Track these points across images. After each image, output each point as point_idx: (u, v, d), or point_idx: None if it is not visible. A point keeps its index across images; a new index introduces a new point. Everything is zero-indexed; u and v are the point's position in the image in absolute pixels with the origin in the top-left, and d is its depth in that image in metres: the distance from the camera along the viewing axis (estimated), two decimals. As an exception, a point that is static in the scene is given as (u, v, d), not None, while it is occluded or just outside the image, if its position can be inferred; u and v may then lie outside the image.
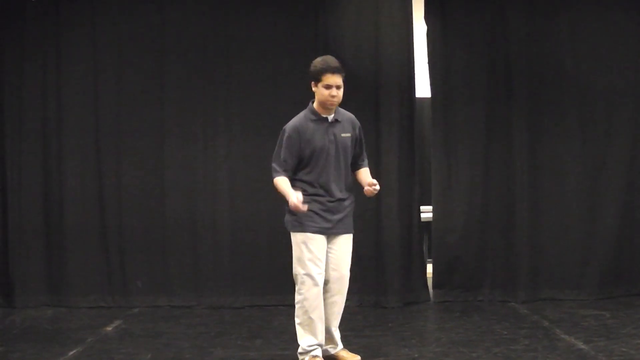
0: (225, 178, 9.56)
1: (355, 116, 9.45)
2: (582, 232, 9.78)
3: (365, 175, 7.03)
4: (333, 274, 6.81)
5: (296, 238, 6.67)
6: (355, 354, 7.07)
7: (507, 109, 9.64)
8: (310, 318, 6.66)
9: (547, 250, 9.76)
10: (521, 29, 9.69)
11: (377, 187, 6.75)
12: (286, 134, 6.66)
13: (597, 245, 9.79)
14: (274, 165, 6.69)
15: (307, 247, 6.62)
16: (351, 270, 9.43)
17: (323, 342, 6.80)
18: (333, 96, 6.63)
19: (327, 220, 6.69)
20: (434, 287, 9.72)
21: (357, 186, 7.12)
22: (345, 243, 6.87)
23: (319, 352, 6.72)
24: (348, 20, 9.58)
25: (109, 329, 8.38)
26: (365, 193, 6.86)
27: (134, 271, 9.52)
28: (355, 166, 7.06)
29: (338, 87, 6.64)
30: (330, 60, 6.71)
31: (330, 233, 6.75)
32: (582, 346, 7.41)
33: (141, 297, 9.50)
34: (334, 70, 6.62)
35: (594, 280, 9.76)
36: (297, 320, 6.74)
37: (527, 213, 9.67)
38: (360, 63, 9.56)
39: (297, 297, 6.69)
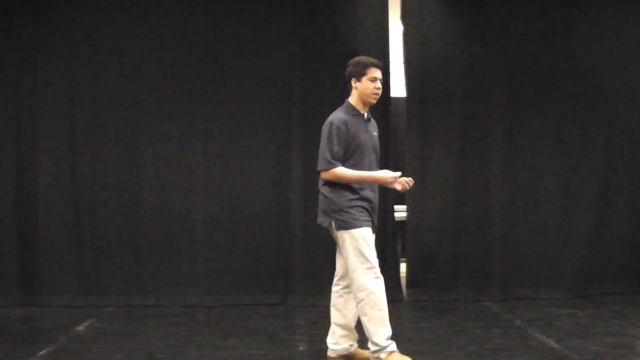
0: (201, 177, 9.54)
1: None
2: (556, 231, 9.84)
3: None
4: None
5: (354, 235, 6.61)
6: (328, 355, 7.06)
7: (483, 109, 9.67)
8: (380, 310, 6.59)
9: (521, 249, 9.81)
10: (497, 30, 9.73)
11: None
12: (334, 126, 6.62)
13: (570, 245, 9.85)
14: (326, 157, 6.58)
15: (366, 242, 6.63)
16: (325, 270, 9.52)
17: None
18: (378, 88, 6.73)
19: (372, 217, 6.77)
20: (408, 286, 9.75)
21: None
22: (374, 239, 6.86)
23: (394, 346, 6.65)
24: (325, 20, 9.58)
25: (81, 328, 8.33)
26: (399, 185, 6.86)
27: (108, 270, 9.48)
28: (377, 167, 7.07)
29: (381, 81, 6.76)
30: (371, 57, 6.85)
31: (374, 227, 6.82)
32: (555, 345, 7.44)
33: (114, 296, 9.46)
34: (378, 65, 6.75)
35: (567, 279, 9.82)
36: (365, 319, 6.63)
37: (501, 213, 9.71)
38: (337, 62, 9.54)
39: (360, 295, 6.60)
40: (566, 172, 9.84)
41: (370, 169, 6.75)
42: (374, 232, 6.79)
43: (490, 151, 9.69)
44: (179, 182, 9.53)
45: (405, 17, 9.70)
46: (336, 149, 6.57)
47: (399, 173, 6.66)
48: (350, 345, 6.96)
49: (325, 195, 6.70)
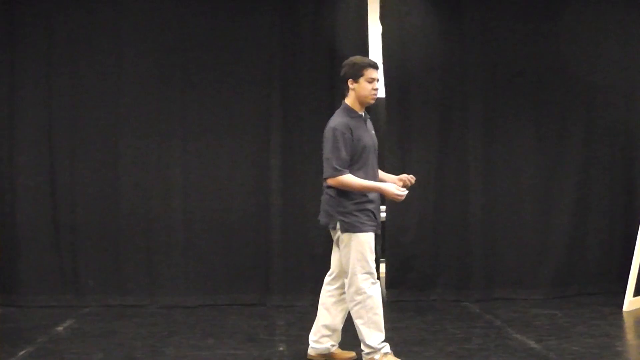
0: (180, 177, 9.52)
1: (310, 115, 9.50)
2: (535, 232, 9.86)
3: (382, 174, 7.04)
4: None
5: (359, 238, 6.59)
6: (308, 354, 7.07)
7: (462, 110, 9.69)
8: (376, 314, 6.63)
9: (500, 250, 9.83)
10: (476, 30, 9.74)
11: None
12: (339, 132, 6.56)
13: (550, 245, 9.88)
14: (333, 164, 6.51)
15: (369, 246, 6.63)
16: (304, 270, 9.50)
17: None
18: (376, 89, 6.72)
19: (376, 219, 6.76)
20: (387, 286, 9.75)
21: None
22: (376, 239, 6.88)
23: (388, 348, 6.71)
24: (305, 20, 9.57)
25: (60, 328, 8.30)
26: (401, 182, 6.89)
27: (87, 270, 9.44)
28: None
29: (378, 81, 6.75)
30: (366, 57, 6.88)
31: (378, 230, 6.82)
32: (534, 345, 7.46)
33: (93, 296, 9.42)
34: (375, 65, 6.72)
35: (546, 280, 9.85)
36: (359, 322, 6.64)
37: (480, 213, 9.73)
38: (316, 62, 9.56)
39: (357, 298, 6.62)
40: (545, 172, 9.87)
41: (374, 170, 6.78)
42: (377, 232, 6.80)
43: (470, 152, 9.70)
44: (157, 182, 9.50)
45: (384, 17, 9.70)
46: (343, 155, 6.52)
47: (406, 192, 6.65)
48: (332, 346, 6.99)
49: (331, 197, 6.66)
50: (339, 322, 6.95)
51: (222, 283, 9.52)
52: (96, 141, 9.46)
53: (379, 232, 6.84)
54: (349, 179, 6.49)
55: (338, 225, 6.64)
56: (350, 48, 9.49)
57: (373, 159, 6.76)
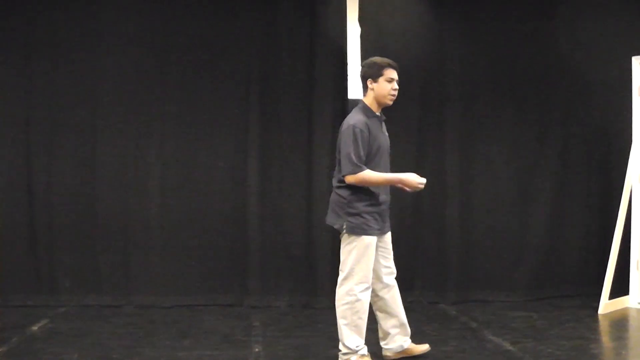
0: (157, 177, 9.50)
1: (288, 117, 9.50)
2: (512, 235, 9.90)
3: None
4: (386, 270, 6.97)
5: (363, 241, 6.63)
6: (285, 354, 7.07)
7: (440, 111, 9.71)
8: (360, 319, 6.67)
9: (477, 252, 9.85)
10: (456, 32, 9.77)
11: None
12: (358, 129, 6.58)
13: (526, 248, 9.92)
14: (353, 160, 6.53)
15: (370, 250, 6.66)
16: (281, 271, 9.50)
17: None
18: (395, 89, 6.76)
19: (383, 221, 6.82)
20: (363, 288, 9.74)
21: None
22: (389, 240, 6.99)
23: (365, 350, 6.75)
24: (284, 21, 9.55)
25: (35, 328, 8.26)
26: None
27: (63, 269, 9.39)
28: None
29: (397, 82, 6.78)
30: (386, 58, 6.84)
31: (383, 233, 6.87)
32: (510, 347, 7.48)
33: (69, 296, 9.38)
34: (395, 66, 6.77)
35: (523, 282, 9.88)
36: (342, 322, 6.69)
37: (458, 216, 9.75)
38: (295, 64, 9.55)
39: (347, 298, 6.66)
40: (522, 176, 9.91)
41: (387, 171, 6.82)
42: (386, 232, 6.88)
43: (447, 154, 9.72)
44: (134, 182, 9.48)
45: (363, 19, 9.69)
46: (361, 152, 6.56)
47: (425, 180, 6.70)
48: (405, 341, 7.08)
49: (342, 197, 6.69)
50: (401, 315, 7.04)
51: (199, 283, 9.50)
52: (73, 140, 9.42)
53: (389, 231, 6.92)
54: (369, 174, 6.56)
55: (344, 226, 6.67)
56: (329, 49, 9.52)
57: (386, 160, 6.85)
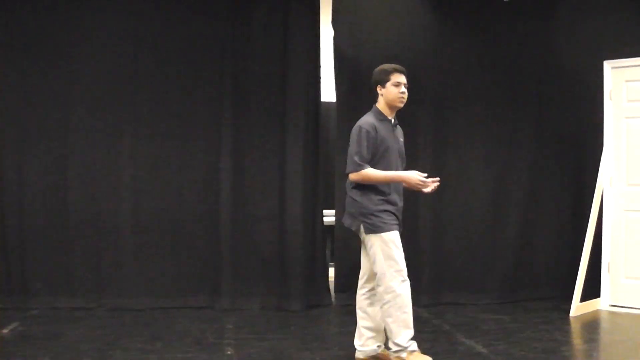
0: (129, 178, 9.45)
1: (261, 118, 9.50)
2: (484, 237, 9.93)
3: None
4: None
5: (383, 238, 6.72)
6: (257, 357, 7.06)
7: (413, 114, 9.70)
8: (405, 313, 6.74)
9: (449, 255, 9.87)
10: (429, 34, 9.78)
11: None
12: (364, 130, 6.75)
13: (498, 251, 9.95)
14: (355, 159, 6.70)
15: (395, 245, 6.74)
16: (253, 274, 9.48)
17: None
18: (403, 93, 6.87)
19: (399, 220, 6.90)
20: (336, 290, 9.76)
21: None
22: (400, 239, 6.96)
23: (415, 345, 6.80)
24: (257, 23, 9.54)
25: (5, 331, 8.20)
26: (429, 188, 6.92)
27: (34, 271, 9.33)
28: None
29: (405, 86, 6.89)
30: (393, 63, 6.99)
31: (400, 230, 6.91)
32: (482, 350, 7.50)
33: (40, 298, 9.31)
34: (400, 70, 6.92)
35: (495, 285, 9.92)
36: (389, 320, 6.75)
37: (430, 218, 9.77)
38: (268, 65, 9.54)
39: (387, 297, 6.73)
40: (495, 179, 9.94)
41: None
42: (400, 232, 6.90)
43: (420, 158, 9.72)
44: (106, 184, 9.43)
45: (336, 21, 9.71)
46: (365, 152, 6.69)
47: (426, 175, 6.81)
48: (378, 347, 7.08)
49: (354, 199, 6.82)
50: (380, 322, 7.02)
51: (171, 286, 9.48)
52: (45, 142, 9.37)
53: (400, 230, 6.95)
54: (370, 172, 6.68)
55: (362, 228, 6.77)
56: (302, 52, 9.52)
57: (396, 164, 6.91)
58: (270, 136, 9.56)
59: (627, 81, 9.42)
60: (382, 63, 9.61)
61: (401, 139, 7.08)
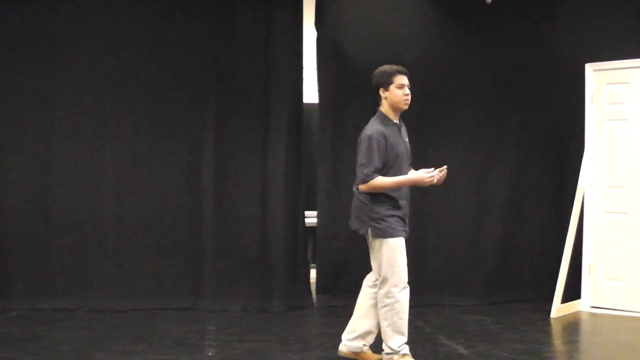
0: (112, 179, 9.43)
1: (244, 120, 9.49)
2: (466, 239, 9.95)
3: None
4: None
5: (390, 243, 6.79)
6: (239, 358, 7.07)
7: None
8: (401, 319, 6.83)
9: (432, 256, 9.88)
10: (412, 36, 9.78)
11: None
12: (374, 140, 6.73)
13: (481, 252, 9.97)
14: (366, 171, 6.72)
15: (400, 251, 6.81)
16: (235, 275, 9.47)
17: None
18: (407, 95, 6.88)
19: (406, 224, 6.95)
20: (318, 292, 9.76)
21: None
22: (405, 245, 7.02)
23: (407, 349, 6.90)
24: (240, 25, 9.53)
25: (-13, 332, 8.20)
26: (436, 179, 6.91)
27: (15, 272, 9.29)
28: None
29: (409, 87, 6.90)
30: (395, 65, 6.97)
31: (406, 236, 6.95)
32: (464, 351, 7.53)
33: (22, 299, 9.27)
34: (403, 71, 6.90)
35: (477, 286, 9.94)
36: (385, 324, 6.85)
37: (412, 219, 9.69)
38: (250, 67, 9.54)
39: (386, 301, 6.82)
40: (477, 180, 9.96)
41: None
42: (406, 238, 6.96)
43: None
44: (89, 184, 9.39)
45: (319, 22, 9.71)
46: (376, 162, 6.71)
47: (432, 169, 6.83)
48: (364, 345, 7.13)
49: (364, 203, 6.86)
50: (375, 326, 7.09)
51: (154, 287, 9.45)
52: (27, 142, 9.32)
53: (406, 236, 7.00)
54: (379, 180, 6.70)
55: (370, 232, 6.81)
56: (285, 53, 9.52)
57: (405, 166, 6.94)
58: (253, 137, 9.55)
59: (608, 84, 9.45)
60: (364, 64, 9.67)
61: (406, 139, 7.10)
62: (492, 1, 9.36)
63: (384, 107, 6.93)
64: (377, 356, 7.15)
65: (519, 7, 10.00)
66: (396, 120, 6.96)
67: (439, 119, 9.88)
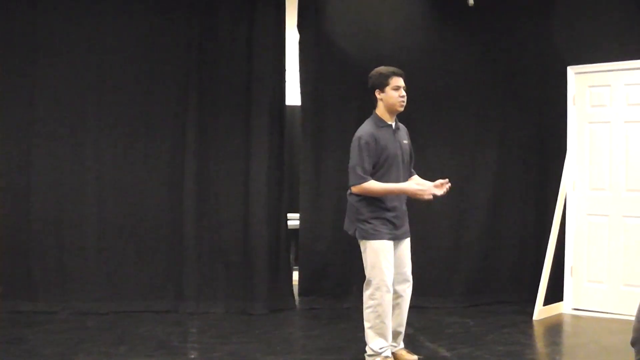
0: (93, 181, 9.38)
1: (226, 121, 9.48)
2: (448, 241, 9.95)
3: (417, 179, 7.26)
4: (397, 277, 7.03)
5: (372, 246, 6.83)
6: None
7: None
8: (382, 322, 6.85)
9: (413, 258, 9.85)
10: (394, 39, 9.79)
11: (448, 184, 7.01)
12: (363, 141, 6.81)
13: (462, 254, 9.98)
14: (357, 172, 6.80)
15: (383, 254, 6.82)
16: (217, 277, 9.44)
17: (390, 342, 7.01)
18: (402, 96, 6.92)
19: (397, 227, 6.96)
20: (300, 294, 9.76)
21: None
22: (407, 247, 7.15)
23: (389, 352, 6.92)
24: (221, 25, 9.52)
25: (-32, 335, 8.15)
26: (441, 190, 7.01)
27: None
28: (409, 173, 7.28)
29: (405, 89, 6.93)
30: (391, 66, 7.03)
31: (398, 239, 6.99)
32: (446, 353, 7.53)
33: (3, 302, 9.22)
34: (399, 73, 6.95)
35: (459, 288, 9.94)
36: (367, 325, 6.92)
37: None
38: (233, 69, 9.53)
39: (370, 302, 6.87)
40: (459, 181, 9.93)
41: (398, 180, 6.96)
42: (402, 238, 7.04)
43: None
44: (70, 185, 9.35)
45: (301, 25, 9.71)
46: (366, 164, 6.77)
47: (426, 183, 6.93)
48: (392, 347, 7.14)
49: (352, 204, 6.93)
50: (395, 325, 7.12)
51: (135, 289, 9.42)
52: (8, 143, 9.27)
53: (406, 238, 7.12)
54: (372, 185, 6.76)
55: (356, 232, 6.90)
56: (267, 55, 9.51)
57: (398, 170, 6.95)
58: (235, 139, 9.54)
59: (590, 87, 9.48)
60: (347, 66, 9.70)
61: (405, 141, 7.13)
62: (474, 4, 9.36)
63: (380, 109, 6.98)
64: (412, 356, 7.24)
65: (501, 9, 10.02)
66: (391, 122, 7.01)
67: (420, 122, 9.87)
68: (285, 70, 9.75)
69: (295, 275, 10.03)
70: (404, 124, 7.24)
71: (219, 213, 9.52)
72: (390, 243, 6.88)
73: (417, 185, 6.88)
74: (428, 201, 7.12)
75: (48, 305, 9.25)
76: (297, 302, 9.76)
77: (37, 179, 9.30)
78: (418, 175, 7.36)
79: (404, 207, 7.09)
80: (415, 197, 6.89)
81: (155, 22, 9.48)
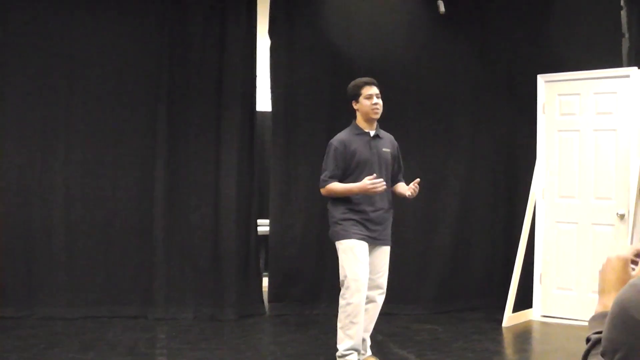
0: (62, 186, 9.33)
1: (196, 128, 9.45)
2: (417, 247, 9.96)
3: (402, 186, 7.43)
4: (369, 283, 7.08)
5: (342, 245, 6.98)
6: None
7: (348, 125, 9.73)
8: (352, 322, 6.92)
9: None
10: (364, 46, 9.80)
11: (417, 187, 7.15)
12: (333, 147, 7.08)
13: (432, 261, 9.99)
14: (322, 176, 7.06)
15: (353, 253, 6.93)
16: (187, 283, 9.42)
17: (360, 347, 7.05)
18: (375, 104, 7.10)
19: (370, 230, 7.05)
20: (270, 300, 9.74)
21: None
22: (383, 254, 7.23)
23: (354, 357, 6.96)
24: (193, 30, 9.51)
25: None
26: (409, 191, 7.22)
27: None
28: (394, 181, 7.46)
29: (378, 96, 7.09)
30: (365, 77, 7.26)
31: (372, 242, 7.07)
32: (415, 360, 7.55)
33: (-31, 308, 9.18)
34: (371, 82, 7.19)
35: (429, 295, 9.95)
36: (339, 325, 7.02)
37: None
38: (203, 72, 9.51)
39: (341, 302, 6.99)
40: (429, 189, 9.95)
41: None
42: (378, 244, 7.12)
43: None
44: (39, 190, 9.29)
45: (273, 32, 9.71)
46: (332, 167, 7.01)
47: (374, 175, 6.92)
48: (360, 355, 7.15)
49: (327, 208, 7.17)
50: (364, 330, 7.18)
51: (104, 295, 9.37)
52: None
53: (383, 246, 7.20)
54: (333, 186, 7.00)
55: (329, 233, 7.13)
56: (238, 62, 9.50)
57: (372, 173, 6.96)
58: (205, 144, 9.52)
59: (559, 95, 9.53)
60: (318, 73, 9.72)
61: (385, 149, 7.24)
62: (445, 12, 9.39)
63: (358, 118, 7.20)
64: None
65: (470, 18, 10.07)
66: (369, 130, 7.18)
67: (392, 129, 9.87)
68: (256, 76, 9.76)
69: (265, 281, 10.02)
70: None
71: (188, 219, 9.49)
72: (362, 243, 6.96)
73: (367, 179, 6.88)
74: (408, 200, 7.42)
75: (15, 311, 9.17)
76: (266, 308, 9.75)
77: (4, 184, 9.22)
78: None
79: (383, 213, 7.16)
80: (368, 192, 6.93)
81: (126, 28, 9.45)
